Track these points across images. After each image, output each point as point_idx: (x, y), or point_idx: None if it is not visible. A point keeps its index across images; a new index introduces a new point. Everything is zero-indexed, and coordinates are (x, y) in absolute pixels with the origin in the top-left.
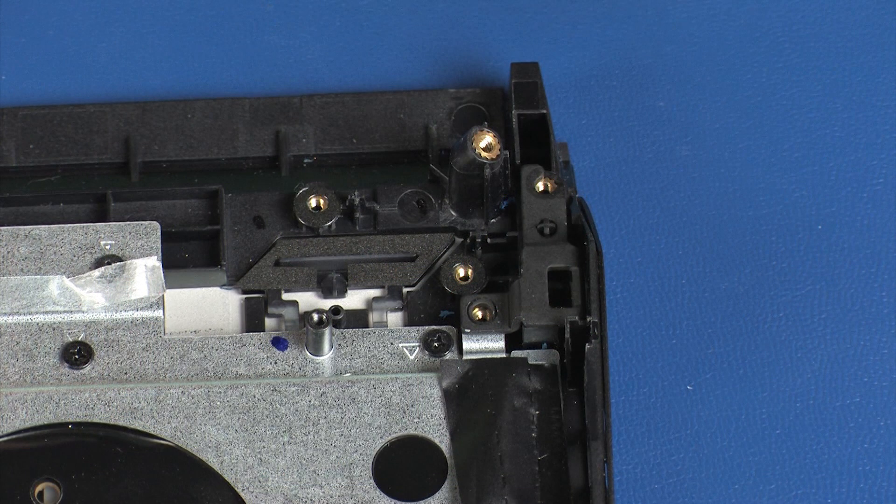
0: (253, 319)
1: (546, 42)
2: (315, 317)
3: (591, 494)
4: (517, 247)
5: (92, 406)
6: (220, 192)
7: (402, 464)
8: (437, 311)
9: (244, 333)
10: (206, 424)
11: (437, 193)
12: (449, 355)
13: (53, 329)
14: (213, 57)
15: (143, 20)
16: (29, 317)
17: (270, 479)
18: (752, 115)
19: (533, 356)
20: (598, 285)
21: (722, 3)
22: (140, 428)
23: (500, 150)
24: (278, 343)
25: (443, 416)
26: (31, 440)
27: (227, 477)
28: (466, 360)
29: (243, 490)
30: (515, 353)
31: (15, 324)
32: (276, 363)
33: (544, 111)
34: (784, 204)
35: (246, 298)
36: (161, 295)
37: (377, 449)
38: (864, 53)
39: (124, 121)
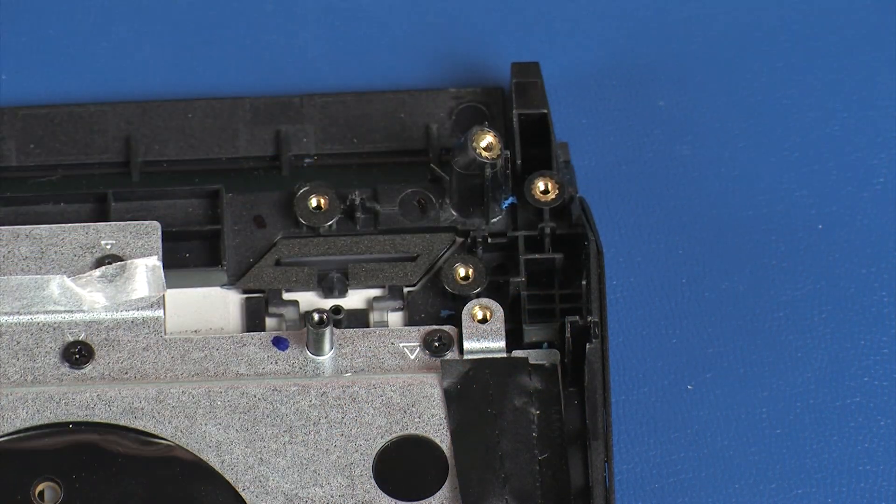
0: (253, 319)
1: (546, 42)
2: (315, 316)
3: (592, 494)
4: (518, 246)
5: (92, 406)
6: (220, 192)
7: (402, 463)
8: (438, 311)
9: (245, 333)
10: (206, 424)
11: (438, 193)
12: (449, 355)
13: (54, 329)
14: (213, 57)
15: (143, 20)
16: (29, 316)
17: (271, 478)
18: (752, 115)
19: (534, 356)
20: (599, 285)
21: (722, 3)
22: (140, 428)
23: (500, 149)
24: (279, 343)
25: (443, 416)
26: (32, 440)
27: (227, 477)
28: (467, 360)
29: (244, 490)
30: (516, 353)
31: (15, 323)
32: (276, 363)
33: (545, 111)
34: (784, 204)
35: (246, 298)
36: (162, 295)
37: (378, 449)
38: (864, 53)
39: (125, 120)
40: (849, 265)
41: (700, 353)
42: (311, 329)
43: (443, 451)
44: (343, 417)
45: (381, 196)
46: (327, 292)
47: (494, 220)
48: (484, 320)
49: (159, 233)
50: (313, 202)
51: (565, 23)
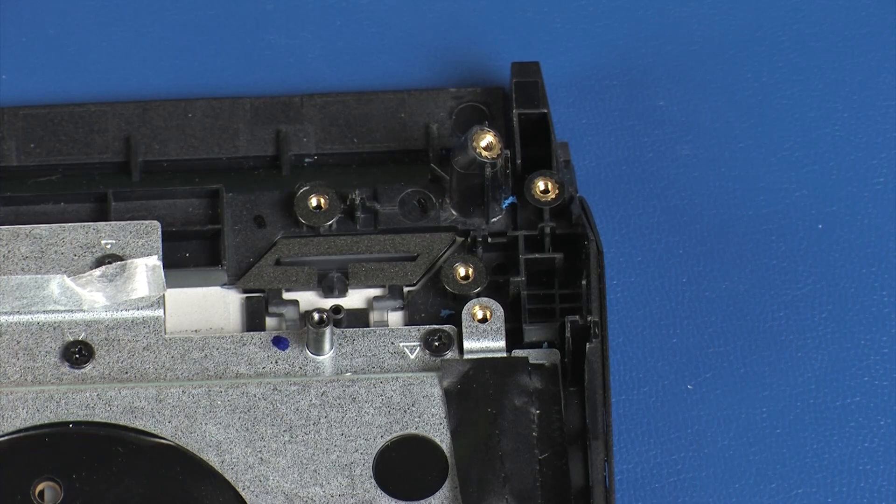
0: (254, 319)
1: (546, 42)
2: (316, 316)
3: (592, 494)
4: (518, 246)
5: (92, 405)
6: (220, 192)
7: (402, 463)
8: (438, 311)
9: (245, 333)
10: (206, 424)
11: (438, 193)
12: (450, 355)
13: (54, 328)
14: (214, 57)
15: (143, 20)
16: (30, 316)
17: (271, 478)
18: (752, 115)
19: (534, 355)
20: (599, 285)
21: (722, 3)
22: (141, 427)
23: (500, 149)
24: (279, 342)
25: (443, 416)
26: (32, 439)
27: (227, 476)
28: (467, 360)
29: (244, 489)
30: (516, 353)
31: (16, 323)
32: (276, 362)
33: (545, 111)
34: (784, 204)
35: (247, 298)
36: (162, 294)
37: (378, 448)
38: (864, 53)
39: (125, 120)
40: (849, 265)
41: (700, 353)
42: (311, 329)
43: (443, 451)
44: (343, 417)
45: (381, 196)
46: (327, 292)
47: (494, 219)
48: (484, 320)
49: (159, 232)
50: (313, 202)
51: (565, 23)
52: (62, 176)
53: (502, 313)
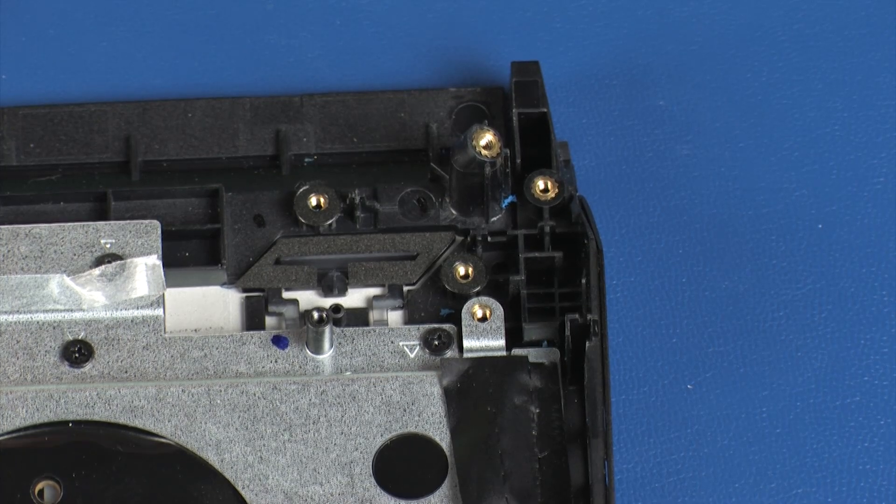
0: (253, 318)
1: (546, 41)
2: (315, 315)
3: (592, 492)
4: (518, 245)
5: (92, 404)
6: (220, 191)
7: (402, 462)
8: (438, 310)
9: (244, 332)
10: (206, 423)
11: (438, 192)
12: (449, 353)
13: (54, 328)
14: (213, 56)
15: (143, 20)
16: (29, 315)
17: (271, 477)
18: (752, 115)
19: (533, 354)
20: (598, 283)
21: (722, 3)
22: (140, 426)
23: (500, 148)
24: (279, 341)
25: (443, 415)
26: (32, 439)
27: (227, 475)
28: (467, 359)
29: (244, 488)
30: (516, 351)
31: (15, 322)
32: (276, 362)
33: (545, 110)
34: (784, 204)
35: (246, 297)
36: (161, 293)
37: (378, 447)
38: (864, 53)
39: (125, 120)
40: (849, 265)
41: (700, 353)
42: (310, 328)
43: (443, 450)
44: (343, 416)
45: (381, 195)
46: (327, 291)
47: (494, 218)
48: (484, 319)
49: (159, 232)
50: (313, 201)
51: (565, 23)
52: (62, 176)
53: (502, 312)
